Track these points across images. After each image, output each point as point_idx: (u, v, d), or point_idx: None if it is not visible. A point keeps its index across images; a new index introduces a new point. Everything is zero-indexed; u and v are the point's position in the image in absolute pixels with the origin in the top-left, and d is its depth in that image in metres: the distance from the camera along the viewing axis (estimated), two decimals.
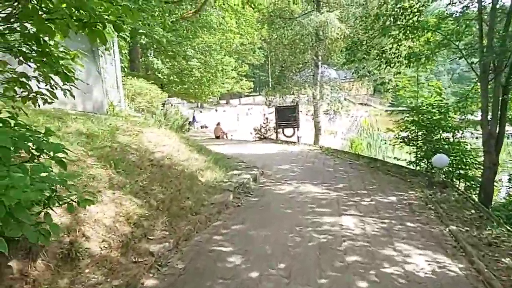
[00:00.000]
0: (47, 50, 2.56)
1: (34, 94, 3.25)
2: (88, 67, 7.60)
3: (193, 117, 29.52)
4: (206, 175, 6.55)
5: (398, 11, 9.03)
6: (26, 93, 3.28)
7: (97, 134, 5.88)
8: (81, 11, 2.37)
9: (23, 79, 3.25)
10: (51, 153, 2.45)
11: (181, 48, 25.63)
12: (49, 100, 3.43)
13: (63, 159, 2.42)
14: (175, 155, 6.69)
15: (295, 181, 7.51)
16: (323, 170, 8.84)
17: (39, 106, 3.42)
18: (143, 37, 15.16)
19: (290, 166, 9.21)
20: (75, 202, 2.30)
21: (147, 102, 11.85)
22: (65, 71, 2.83)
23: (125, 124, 7.46)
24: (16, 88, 3.19)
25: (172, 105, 30.19)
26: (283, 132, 17.29)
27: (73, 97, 3.23)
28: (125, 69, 10.89)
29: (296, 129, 16.91)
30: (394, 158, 11.39)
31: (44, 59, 2.59)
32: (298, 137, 16.01)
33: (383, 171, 8.77)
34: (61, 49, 3.70)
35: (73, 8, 2.34)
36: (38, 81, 3.16)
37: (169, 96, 36.35)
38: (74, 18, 2.33)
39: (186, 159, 6.77)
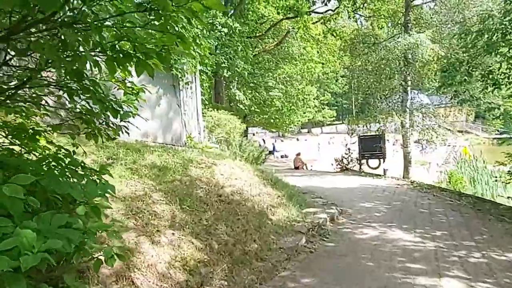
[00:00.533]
0: (91, 86, 2.38)
1: (96, 131, 3.16)
2: (169, 100, 7.91)
3: (273, 147, 29.45)
4: (277, 213, 6.02)
5: (508, 24, 7.64)
6: (90, 129, 3.21)
7: (169, 167, 5.87)
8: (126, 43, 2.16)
9: (88, 115, 3.18)
10: (93, 198, 2.24)
11: (262, 79, 26.31)
12: (112, 136, 3.33)
13: (99, 205, 2.16)
14: (246, 189, 6.34)
15: (380, 223, 6.49)
16: (416, 212, 7.57)
17: (113, 139, 3.34)
18: (225, 70, 15.76)
19: (375, 205, 8.14)
20: (102, 258, 2.00)
21: (226, 133, 12.00)
22: (115, 106, 2.63)
23: (200, 156, 7.44)
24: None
25: (254, 135, 30.82)
26: (367, 163, 15.96)
27: (128, 133, 3.06)
28: (206, 101, 11.24)
29: (382, 160, 15.46)
30: (508, 198, 9.39)
31: (88, 95, 2.41)
32: (384, 169, 14.58)
33: (495, 215, 7.14)
34: (128, 84, 3.63)
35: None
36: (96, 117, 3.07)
37: (251, 126, 37.41)
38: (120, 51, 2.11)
39: (257, 194, 6.37)
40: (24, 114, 2.85)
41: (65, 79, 2.44)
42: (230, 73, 17.42)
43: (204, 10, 2.01)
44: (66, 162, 2.76)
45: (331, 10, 20.95)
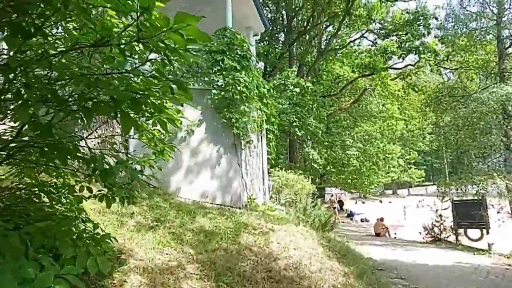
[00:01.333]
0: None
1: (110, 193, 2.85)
2: (229, 159, 7.66)
3: (350, 211, 27.26)
4: None
5: None
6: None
7: (218, 232, 5.36)
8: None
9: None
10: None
11: (339, 138, 25.39)
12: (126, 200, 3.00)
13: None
14: (305, 263, 5.42)
15: None
16: None
17: (133, 202, 3.03)
18: (297, 129, 15.46)
19: None
20: None
21: (294, 194, 11.25)
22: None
23: (258, 220, 6.81)
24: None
25: (332, 196, 29.18)
26: (465, 234, 13.36)
27: (133, 204, 2.67)
28: (273, 161, 10.85)
29: (484, 231, 12.80)
30: None
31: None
32: (488, 243, 11.94)
33: None
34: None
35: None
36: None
37: (328, 186, 35.69)
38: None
39: (318, 270, 5.37)
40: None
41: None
42: (303, 132, 17.07)
43: (186, 43, 1.56)
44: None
45: (411, 65, 19.86)
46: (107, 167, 2.15)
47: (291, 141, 21.83)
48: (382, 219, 17.23)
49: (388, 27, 17.70)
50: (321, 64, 22.23)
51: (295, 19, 21.29)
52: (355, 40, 21.39)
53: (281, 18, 21.21)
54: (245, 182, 7.92)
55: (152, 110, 2.01)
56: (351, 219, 25.70)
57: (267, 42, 21.33)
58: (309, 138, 18.23)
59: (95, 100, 1.68)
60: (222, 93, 7.40)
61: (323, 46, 20.75)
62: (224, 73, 7.56)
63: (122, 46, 1.60)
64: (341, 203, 33.63)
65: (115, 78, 1.70)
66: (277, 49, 21.93)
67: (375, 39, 19.00)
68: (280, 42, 22.06)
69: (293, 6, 19.36)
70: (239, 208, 7.49)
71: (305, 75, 20.29)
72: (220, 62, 7.68)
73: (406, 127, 36.57)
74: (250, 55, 8.14)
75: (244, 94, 7.55)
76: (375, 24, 18.90)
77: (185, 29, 1.46)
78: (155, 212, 5.56)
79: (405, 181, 49.13)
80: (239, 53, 7.77)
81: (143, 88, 1.69)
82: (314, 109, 18.66)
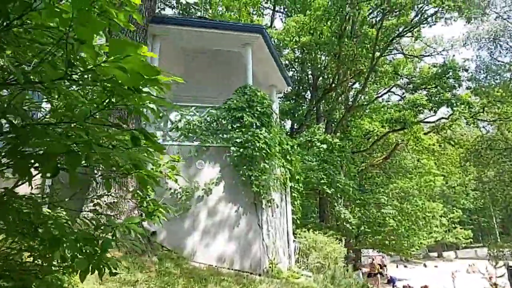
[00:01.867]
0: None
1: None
2: (249, 220, 7.19)
3: (391, 277, 24.83)
4: None
5: None
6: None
7: None
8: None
9: None
10: None
11: (373, 195, 24.07)
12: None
13: None
14: None
15: None
16: None
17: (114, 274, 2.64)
18: (325, 187, 14.79)
19: None
20: None
21: (323, 257, 10.32)
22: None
23: None
24: None
25: (373, 259, 26.99)
26: None
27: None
28: (298, 221, 10.16)
29: None
30: None
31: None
32: None
33: None
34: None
35: None
36: None
37: (364, 248, 33.24)
38: None
39: None
40: None
41: None
42: (333, 189, 16.31)
43: (131, 80, 1.29)
44: None
45: (444, 118, 19.09)
46: (56, 232, 1.81)
47: (321, 200, 20.94)
48: (427, 287, 15.31)
49: (416, 81, 17.41)
50: (349, 120, 21.99)
51: (320, 78, 21.66)
52: (382, 95, 21.18)
53: (306, 77, 21.66)
54: (266, 244, 7.32)
55: (121, 164, 1.72)
56: (393, 286, 23.24)
57: (294, 101, 21.62)
58: (339, 196, 17.35)
59: (26, 152, 1.42)
60: (241, 150, 7.18)
61: (350, 103, 20.65)
62: (243, 130, 7.42)
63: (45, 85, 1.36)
64: (382, 267, 30.89)
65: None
66: (303, 107, 22.10)
67: (403, 93, 18.66)
68: (307, 100, 22.27)
69: (318, 66, 19.79)
70: (259, 275, 6.82)
71: (333, 132, 20.02)
72: (240, 119, 7.59)
73: (446, 183, 34.40)
74: (271, 111, 8.03)
75: (264, 151, 7.29)
76: (402, 79, 18.72)
77: (127, 61, 1.21)
78: (162, 279, 5.09)
79: (451, 242, 45.00)
80: (259, 109, 7.68)
81: (86, 140, 1.41)
82: (344, 165, 18.02)
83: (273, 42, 18.75)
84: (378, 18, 17.35)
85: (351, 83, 20.64)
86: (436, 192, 28.67)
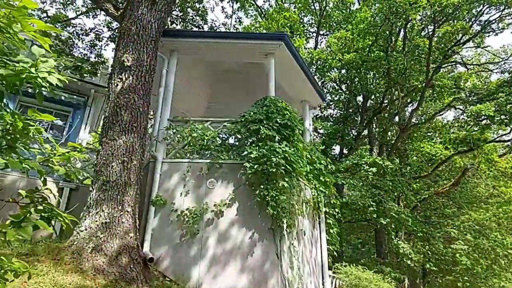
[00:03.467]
0: None
1: None
2: (265, 248, 6.12)
3: None
4: None
5: None
6: None
7: None
8: None
9: None
10: None
11: (441, 228, 21.08)
12: None
13: None
14: None
15: None
16: None
17: None
18: (375, 215, 12.98)
19: None
20: None
21: None
22: None
23: None
24: None
25: None
26: None
27: None
28: (335, 252, 8.71)
29: None
30: None
31: None
32: None
33: None
34: None
35: None
36: None
37: None
38: None
39: None
40: None
41: None
42: (388, 219, 14.34)
43: None
44: None
45: None
46: None
47: (377, 232, 18.75)
48: None
49: (481, 92, 15.10)
50: (406, 142, 19.88)
51: (371, 98, 20.14)
52: (442, 112, 18.82)
53: (355, 99, 20.25)
54: (288, 279, 6.13)
55: None
56: None
57: (342, 124, 20.23)
58: (395, 227, 15.20)
59: None
60: (255, 166, 6.28)
61: (405, 123, 18.69)
62: (260, 144, 6.54)
63: None
64: None
65: None
66: (353, 131, 20.58)
67: (465, 107, 16.31)
68: (357, 122, 20.69)
69: (367, 85, 18.38)
70: None
71: (387, 155, 18.10)
72: (256, 132, 6.75)
73: None
74: (294, 124, 7.06)
75: (283, 167, 6.29)
76: (465, 93, 16.47)
77: None
78: None
79: None
80: (279, 121, 6.78)
81: None
82: (399, 192, 15.94)
83: (312, 61, 17.98)
84: (431, 28, 15.68)
85: (404, 102, 18.75)
86: None
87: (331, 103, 22.31)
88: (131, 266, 5.18)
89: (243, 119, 6.99)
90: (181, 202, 6.43)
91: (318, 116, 21.73)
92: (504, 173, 19.57)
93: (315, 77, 19.64)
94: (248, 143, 6.81)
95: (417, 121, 19.17)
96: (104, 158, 5.79)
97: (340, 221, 11.12)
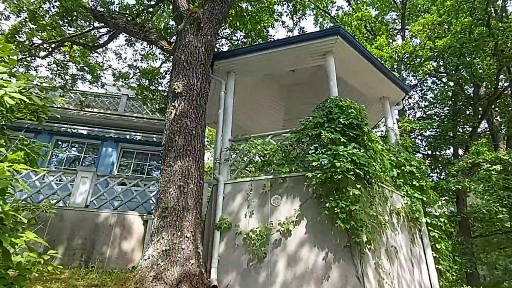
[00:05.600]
0: None
1: None
2: (342, 271, 5.17)
3: None
4: None
5: None
6: None
7: None
8: None
9: None
10: None
11: None
12: None
13: None
14: None
15: None
16: None
17: None
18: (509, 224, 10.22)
19: None
20: None
21: None
22: None
23: None
24: None
25: None
26: None
27: None
28: (449, 276, 6.91)
29: None
30: None
31: None
32: None
33: None
34: None
35: None
36: None
37: None
38: None
39: None
40: None
41: None
42: None
43: None
44: None
45: None
46: None
47: None
48: None
49: None
50: None
51: (482, 85, 16.91)
52: None
53: (462, 89, 17.26)
54: None
55: None
56: None
57: (452, 121, 17.36)
58: None
59: None
60: (319, 175, 5.50)
61: None
62: (323, 150, 5.77)
63: None
64: None
65: None
66: (467, 127, 17.44)
67: None
68: (471, 116, 17.49)
69: (473, 70, 15.52)
70: None
71: None
72: (317, 138, 6.00)
73: None
74: (364, 122, 6.08)
75: (352, 173, 5.35)
76: None
77: None
78: None
79: None
80: (342, 121, 5.91)
81: None
82: None
83: (399, 59, 16.04)
84: None
85: None
86: None
87: (433, 100, 19.55)
88: None
89: (303, 127, 6.34)
90: (246, 223, 5.99)
91: (419, 118, 19.20)
92: None
93: (404, 72, 17.57)
94: (310, 151, 6.07)
95: None
96: (162, 185, 5.81)
97: (450, 233, 8.99)
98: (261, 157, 6.61)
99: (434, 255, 6.76)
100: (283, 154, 6.47)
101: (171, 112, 6.36)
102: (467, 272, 13.21)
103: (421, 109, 20.26)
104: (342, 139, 5.78)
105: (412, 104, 20.45)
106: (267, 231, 5.74)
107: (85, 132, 12.09)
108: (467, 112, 17.33)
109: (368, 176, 5.62)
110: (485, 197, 10.62)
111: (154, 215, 5.72)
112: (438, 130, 16.99)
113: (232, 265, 5.75)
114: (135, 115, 13.16)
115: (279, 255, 5.57)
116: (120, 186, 9.43)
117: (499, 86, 14.80)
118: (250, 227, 5.89)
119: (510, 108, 16.20)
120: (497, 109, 16.82)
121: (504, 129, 16.48)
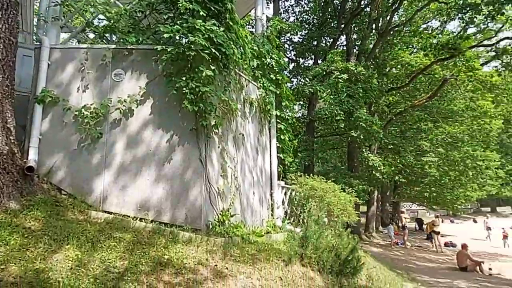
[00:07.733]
0: None
1: None
2: (187, 154, 4.91)
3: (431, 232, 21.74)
4: None
5: None
6: None
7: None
8: None
9: None
10: None
11: (413, 141, 20.73)
12: None
13: None
14: None
15: None
16: None
17: None
18: (342, 124, 11.97)
19: None
20: None
21: (329, 211, 7.98)
22: None
23: (209, 256, 3.97)
24: None
25: (403, 212, 24.19)
26: None
27: None
28: (287, 162, 7.68)
29: None
30: None
31: None
32: None
33: None
34: None
35: None
36: None
37: (403, 201, 30.26)
38: None
39: None
40: None
41: None
42: (359, 132, 13.43)
43: None
44: None
45: (508, 38, 14.80)
46: None
47: (349, 146, 18.09)
48: (466, 247, 12.39)
49: None
50: (384, 51, 18.25)
51: (348, 1, 17.82)
52: (422, 8, 16.58)
53: (332, 2, 17.88)
54: (213, 188, 5.07)
55: None
56: (432, 242, 20.39)
57: (318, 31, 18.14)
58: (362, 137, 14.30)
59: None
60: (169, 49, 4.74)
61: (384, 27, 16.80)
62: (179, 22, 4.91)
63: None
64: (419, 221, 27.85)
65: None
66: (328, 38, 18.61)
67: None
68: (334, 29, 18.58)
69: None
70: (196, 230, 4.67)
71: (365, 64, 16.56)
72: (173, 5, 5.07)
73: (507, 131, 29.42)
74: None
75: (207, 51, 4.77)
76: None
77: None
78: (53, 230, 3.09)
79: (507, 196, 40.13)
80: None
81: None
82: (371, 100, 14.83)
83: None
84: None
85: (385, 3, 16.58)
86: (493, 140, 24.32)
87: (307, 8, 19.94)
88: None
89: None
90: (79, 99, 4.97)
91: (292, 21, 19.51)
92: (483, 83, 18.53)
93: None
94: (163, 20, 5.16)
95: (398, 24, 17.25)
96: None
97: (295, 126, 10.04)
98: (104, 21, 5.35)
99: (278, 145, 7.26)
100: (132, 21, 5.37)
101: None
102: (305, 165, 15.35)
103: (294, 14, 20.54)
104: (201, 13, 5.01)
105: (286, 8, 20.46)
106: (104, 108, 4.90)
107: None
108: (332, 24, 18.37)
109: (224, 59, 5.17)
110: (329, 100, 11.92)
111: None
112: (305, 37, 17.68)
113: (59, 145, 4.84)
114: None
115: (118, 135, 4.92)
116: None
117: (362, 3, 15.81)
118: (83, 103, 4.92)
119: (364, 27, 17.73)
120: (355, 26, 18.25)
121: (358, 46, 18.28)
